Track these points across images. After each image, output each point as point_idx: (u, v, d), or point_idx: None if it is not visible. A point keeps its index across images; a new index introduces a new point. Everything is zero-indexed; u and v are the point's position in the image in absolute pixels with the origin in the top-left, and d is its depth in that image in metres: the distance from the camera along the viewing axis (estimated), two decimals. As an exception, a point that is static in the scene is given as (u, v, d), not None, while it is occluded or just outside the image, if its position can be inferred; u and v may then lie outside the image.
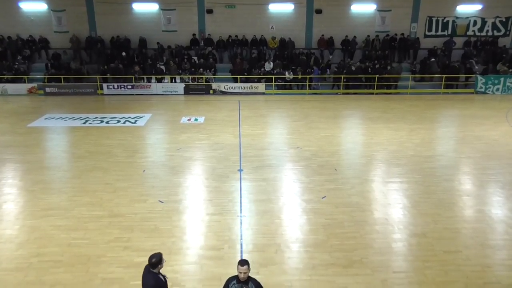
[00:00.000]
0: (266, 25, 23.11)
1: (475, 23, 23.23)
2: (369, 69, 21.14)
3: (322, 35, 22.89)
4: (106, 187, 9.47)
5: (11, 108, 17.73)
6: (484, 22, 23.19)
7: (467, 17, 23.13)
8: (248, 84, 20.82)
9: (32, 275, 6.29)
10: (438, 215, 8.21)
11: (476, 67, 21.74)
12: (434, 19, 23.22)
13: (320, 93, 21.11)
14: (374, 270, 6.47)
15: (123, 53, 21.83)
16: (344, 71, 21.13)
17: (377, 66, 21.20)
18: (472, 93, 21.13)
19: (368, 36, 22.85)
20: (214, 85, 20.82)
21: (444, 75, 21.09)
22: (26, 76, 21.11)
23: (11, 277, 6.25)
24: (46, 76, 20.98)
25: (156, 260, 4.54)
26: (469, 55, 22.57)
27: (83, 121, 15.55)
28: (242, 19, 22.91)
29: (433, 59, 21.81)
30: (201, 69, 21.30)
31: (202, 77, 20.98)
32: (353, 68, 21.03)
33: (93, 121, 15.54)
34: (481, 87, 21.03)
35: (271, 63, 21.79)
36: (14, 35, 22.50)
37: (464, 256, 6.84)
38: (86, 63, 22.14)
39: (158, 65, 21.40)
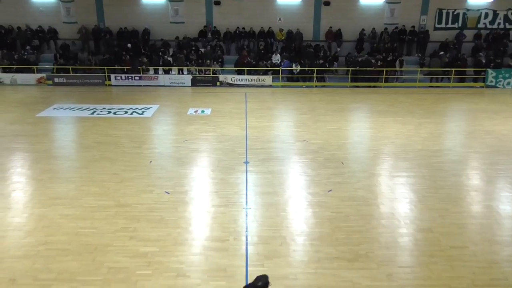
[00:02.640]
0: (274, 17, 22.93)
1: (486, 15, 22.82)
2: (379, 62, 20.93)
3: (330, 27, 22.68)
4: (113, 177, 9.53)
5: (20, 98, 17.86)
6: (495, 14, 22.77)
7: (478, 9, 22.73)
8: (255, 77, 20.73)
9: (39, 263, 6.38)
10: (445, 210, 8.16)
11: (484, 62, 21.37)
12: (444, 12, 22.86)
13: (331, 86, 20.98)
14: (379, 264, 6.45)
15: (129, 45, 21.82)
16: (349, 63, 20.97)
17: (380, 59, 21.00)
18: (482, 87, 20.86)
19: (374, 29, 22.58)
20: (221, 77, 20.77)
21: (454, 69, 20.83)
22: (35, 66, 21.23)
23: (20, 264, 6.34)
24: (55, 67, 21.09)
25: (262, 284, 4.19)
26: (479, 48, 22.23)
27: (91, 111, 15.63)
28: (249, 11, 22.75)
29: (442, 52, 21.51)
30: (208, 61, 21.24)
31: (209, 69, 20.94)
32: (359, 59, 20.84)
33: (101, 111, 15.61)
34: (492, 81, 20.74)
35: (279, 55, 21.65)
36: (23, 26, 22.62)
37: (471, 252, 6.80)
38: (94, 54, 22.18)
39: (166, 57, 21.35)
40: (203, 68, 21.05)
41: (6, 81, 20.65)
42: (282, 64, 21.00)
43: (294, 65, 21.06)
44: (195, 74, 20.95)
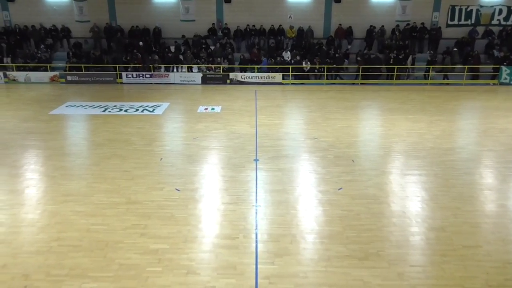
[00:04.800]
0: (284, 15, 22.87)
1: (500, 11, 22.42)
2: (391, 59, 20.71)
3: (340, 24, 22.52)
4: (124, 175, 9.61)
5: (34, 96, 18.12)
6: (510, 10, 22.33)
7: (492, 6, 22.34)
8: (265, 74, 20.70)
9: (52, 259, 6.46)
10: (458, 209, 8.04)
11: (498, 56, 20.99)
12: (457, 8, 22.51)
13: (341, 83, 20.86)
14: (390, 263, 6.39)
15: (140, 43, 21.97)
16: (358, 59, 20.86)
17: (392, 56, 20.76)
18: (496, 84, 20.51)
19: (383, 26, 22.34)
20: (231, 75, 20.78)
21: (466, 66, 20.52)
22: (48, 65, 21.52)
23: (33, 260, 6.44)
24: (68, 65, 21.35)
25: None
26: (492, 45, 21.85)
27: (103, 109, 15.78)
28: (260, 8, 22.74)
29: (455, 49, 21.21)
30: (219, 59, 21.25)
31: (219, 67, 20.97)
32: (371, 56, 20.70)
33: (112, 109, 15.75)
34: (506, 78, 20.37)
35: (289, 52, 21.58)
36: (37, 24, 22.96)
37: (485, 252, 6.69)
38: (106, 52, 22.37)
39: (180, 56, 21.44)
40: (213, 66, 21.08)
41: (20, 79, 20.99)
42: (261, 62, 21.06)
43: (304, 62, 20.97)
44: (205, 72, 21.00)
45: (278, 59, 21.23)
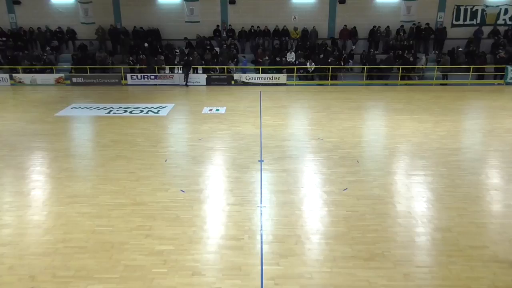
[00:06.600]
0: (289, 16, 22.87)
1: (506, 11, 22.28)
2: (397, 60, 20.62)
3: (345, 25, 22.48)
4: (129, 176, 9.64)
5: (40, 98, 18.24)
6: (516, 10, 22.22)
7: (498, 6, 22.20)
8: (270, 75, 20.71)
9: (58, 260, 6.49)
10: (464, 209, 7.99)
11: (503, 56, 20.85)
12: (462, 8, 22.40)
13: (346, 84, 20.82)
14: (396, 263, 6.36)
15: (146, 44, 22.06)
16: (365, 62, 20.81)
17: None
18: (502, 84, 20.38)
19: (388, 26, 22.28)
20: (236, 76, 20.81)
21: (472, 66, 20.40)
22: (54, 67, 21.65)
23: (39, 261, 6.47)
24: (73, 67, 21.46)
25: None
26: (498, 45, 21.71)
27: (108, 110, 15.85)
28: (264, 9, 22.75)
29: (460, 49, 21.10)
30: (223, 58, 21.28)
31: (224, 68, 21.00)
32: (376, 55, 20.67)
33: (117, 110, 15.81)
34: (512, 78, 20.27)
35: (293, 53, 21.58)
36: (43, 27, 23.12)
37: (491, 252, 6.64)
38: (111, 54, 22.47)
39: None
40: (217, 67, 21.11)
41: (26, 81, 21.13)
42: (242, 63, 21.27)
43: (308, 63, 20.95)
44: (210, 73, 21.03)
45: (284, 59, 21.23)
